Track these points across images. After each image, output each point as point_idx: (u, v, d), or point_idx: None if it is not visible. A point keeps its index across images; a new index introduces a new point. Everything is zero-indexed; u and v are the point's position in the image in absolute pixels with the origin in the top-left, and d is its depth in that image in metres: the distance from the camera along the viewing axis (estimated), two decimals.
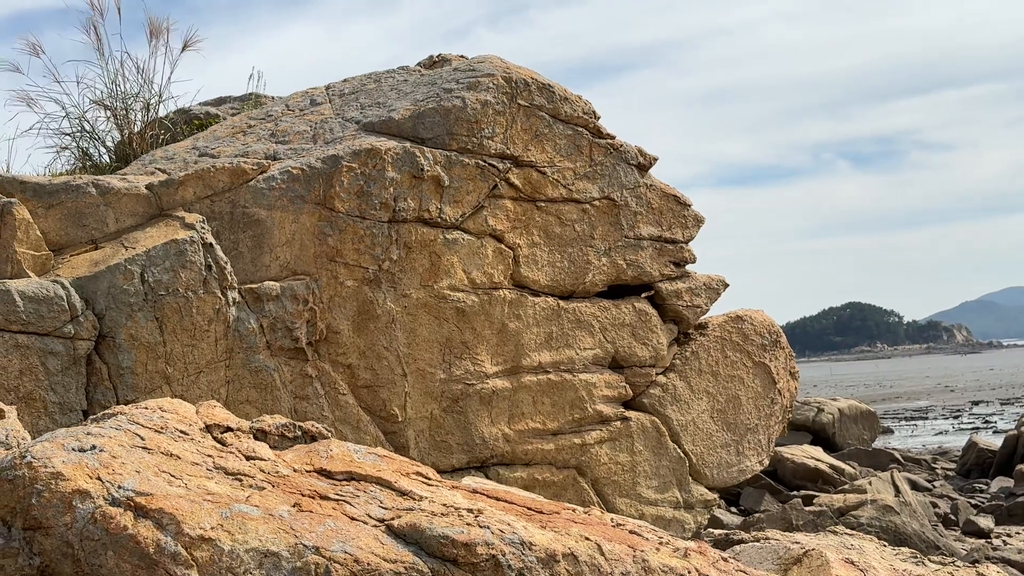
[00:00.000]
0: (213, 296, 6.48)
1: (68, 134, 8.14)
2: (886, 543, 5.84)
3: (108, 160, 8.16)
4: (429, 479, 4.15)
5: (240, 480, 3.76)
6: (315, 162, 7.01)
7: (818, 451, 15.69)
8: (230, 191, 6.86)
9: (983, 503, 13.89)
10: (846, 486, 12.36)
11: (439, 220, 7.28)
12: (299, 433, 4.30)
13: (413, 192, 7.17)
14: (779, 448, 14.56)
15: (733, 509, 12.73)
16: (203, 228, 6.58)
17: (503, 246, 7.57)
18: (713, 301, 8.54)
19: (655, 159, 8.31)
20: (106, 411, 4.05)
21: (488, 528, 3.67)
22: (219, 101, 9.26)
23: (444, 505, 3.84)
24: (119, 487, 3.47)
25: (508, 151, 7.55)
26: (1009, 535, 11.54)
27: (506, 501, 4.09)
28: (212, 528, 3.41)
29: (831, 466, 14.53)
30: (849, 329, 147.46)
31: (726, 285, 8.62)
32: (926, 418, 31.40)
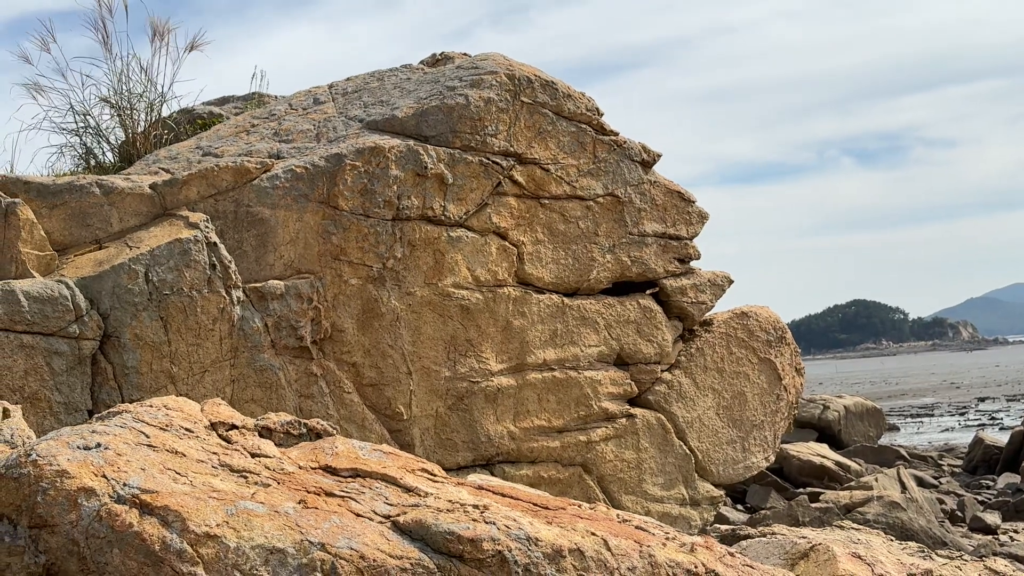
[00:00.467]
0: (217, 295, 6.48)
1: (72, 130, 8.15)
2: (893, 538, 5.83)
3: (112, 160, 8.17)
4: (434, 475, 4.14)
5: (245, 477, 3.76)
6: (319, 161, 7.01)
7: (824, 448, 15.68)
8: (234, 190, 6.86)
9: (990, 499, 13.86)
10: (852, 483, 12.35)
11: (443, 218, 7.27)
12: (304, 430, 4.30)
13: (417, 190, 7.17)
14: (785, 445, 14.55)
15: (739, 506, 12.72)
16: (207, 227, 6.58)
17: (507, 243, 7.56)
18: (718, 298, 8.52)
19: (659, 156, 8.30)
20: (111, 409, 4.05)
21: (494, 524, 3.67)
22: (222, 101, 9.26)
23: (450, 501, 3.83)
24: (124, 485, 3.47)
25: (512, 148, 7.54)
26: (1016, 531, 11.52)
27: (511, 497, 4.08)
28: (217, 525, 3.41)
29: (837, 463, 14.51)
30: (854, 326, 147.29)
31: (731, 281, 8.60)
32: (932, 415, 31.35)
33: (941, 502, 12.80)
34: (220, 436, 4.05)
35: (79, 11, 7.99)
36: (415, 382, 7.19)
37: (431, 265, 7.21)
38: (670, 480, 8.09)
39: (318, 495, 3.75)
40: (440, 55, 8.61)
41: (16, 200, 6.42)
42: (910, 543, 5.56)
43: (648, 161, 8.21)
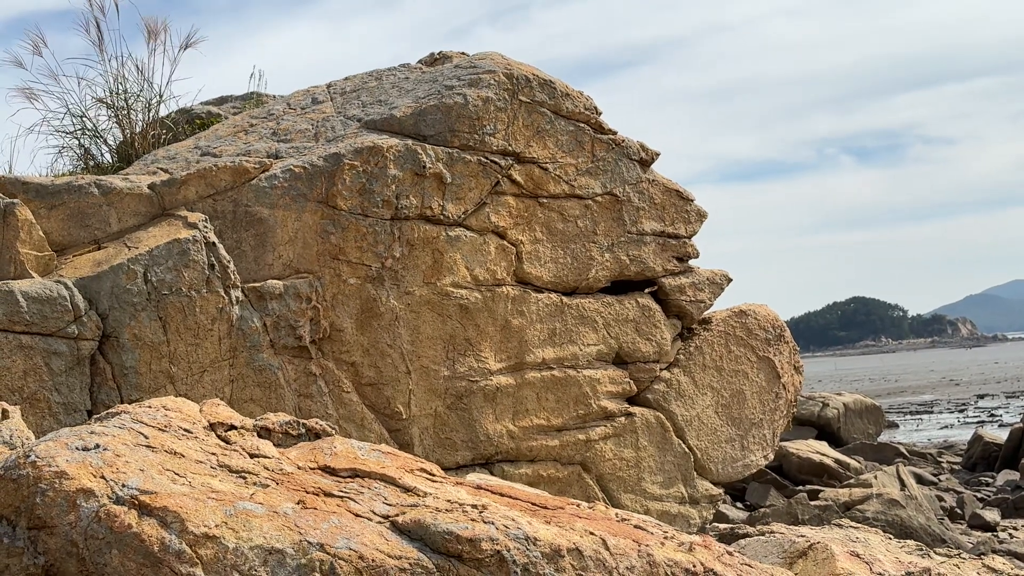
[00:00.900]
0: (216, 295, 6.48)
1: (70, 132, 8.15)
2: (891, 536, 5.83)
3: (110, 160, 8.17)
4: (433, 475, 4.15)
5: (244, 478, 3.76)
6: (317, 160, 7.01)
7: (823, 446, 15.69)
8: (232, 190, 6.86)
9: (989, 496, 13.88)
10: (851, 480, 12.36)
11: (441, 217, 7.27)
12: (303, 431, 4.30)
13: (415, 189, 7.17)
14: (784, 443, 14.56)
15: (739, 504, 12.74)
16: (206, 227, 6.58)
17: (506, 243, 7.56)
18: (717, 296, 8.52)
19: (657, 154, 8.30)
20: (110, 410, 4.06)
21: (493, 524, 3.67)
22: (220, 100, 9.26)
23: (448, 501, 3.83)
24: (123, 486, 3.47)
25: (510, 148, 7.55)
26: (1015, 528, 11.53)
27: (510, 497, 4.08)
28: (216, 526, 3.41)
29: (836, 461, 14.53)
30: (853, 324, 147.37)
31: (729, 280, 8.60)
32: (931, 412, 31.37)
33: (940, 499, 12.81)
34: (219, 436, 4.05)
35: (72, 11, 7.98)
36: (414, 381, 7.19)
37: (430, 264, 7.22)
38: (669, 478, 8.10)
39: (317, 495, 3.76)
40: (438, 54, 8.61)
41: (15, 200, 6.42)
42: (908, 541, 5.56)
43: (646, 160, 8.21)
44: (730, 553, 4.06)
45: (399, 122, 7.37)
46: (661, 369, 8.17)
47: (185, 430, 3.96)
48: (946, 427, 26.58)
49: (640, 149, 8.15)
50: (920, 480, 14.22)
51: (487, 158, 7.43)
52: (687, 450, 8.19)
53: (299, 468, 3.95)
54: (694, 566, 3.82)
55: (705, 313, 8.51)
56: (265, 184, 6.86)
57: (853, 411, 20.40)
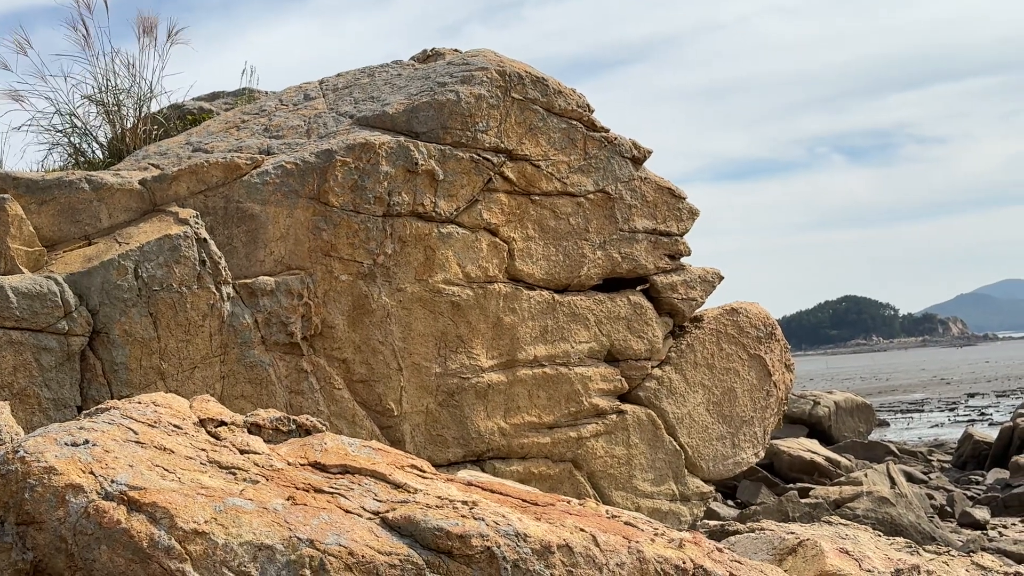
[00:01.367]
0: (207, 291, 6.47)
1: (60, 131, 8.12)
2: (881, 533, 5.85)
3: (101, 156, 8.14)
4: (424, 472, 4.14)
5: (234, 474, 3.76)
6: (309, 156, 7.00)
7: (814, 444, 15.73)
8: (224, 186, 6.85)
9: (979, 495, 13.92)
10: (842, 479, 12.39)
11: (433, 214, 7.27)
12: (293, 427, 4.30)
13: (407, 186, 7.16)
14: (775, 441, 14.59)
15: (730, 502, 12.76)
16: (197, 223, 6.56)
17: (498, 240, 7.56)
18: (708, 294, 8.53)
19: (649, 152, 8.30)
20: (99, 406, 4.05)
21: (483, 520, 3.67)
22: (212, 96, 9.24)
23: (439, 497, 3.83)
24: (112, 481, 3.47)
25: (502, 145, 7.54)
26: (1005, 526, 11.57)
27: (501, 493, 4.08)
28: (206, 522, 3.40)
29: (827, 459, 14.56)
30: (845, 322, 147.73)
31: (721, 278, 8.61)
32: (922, 411, 31.46)
33: (930, 497, 12.85)
34: (209, 433, 4.05)
35: (59, 8, 7.94)
36: (406, 378, 7.19)
37: (422, 261, 7.21)
38: (660, 476, 8.11)
39: (307, 491, 3.75)
40: (431, 51, 8.60)
41: (5, 196, 6.40)
42: (898, 538, 5.58)
43: (639, 157, 8.21)
44: (720, 550, 4.06)
45: (391, 119, 7.36)
46: (653, 367, 8.18)
47: (175, 426, 3.95)
48: (936, 426, 26.67)
49: (632, 147, 8.16)
50: (910, 478, 14.26)
51: (479, 155, 7.43)
52: (678, 448, 8.20)
53: (289, 464, 3.95)
54: (684, 563, 3.83)
55: (697, 311, 8.52)
56: (257, 180, 6.84)
57: (844, 409, 20.45)
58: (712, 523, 8.46)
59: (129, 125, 8.07)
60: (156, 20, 7.97)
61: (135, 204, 6.74)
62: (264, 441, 4.16)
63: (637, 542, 3.83)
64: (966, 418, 27.77)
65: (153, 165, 7.14)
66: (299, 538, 3.45)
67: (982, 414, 28.79)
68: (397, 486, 3.92)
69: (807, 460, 14.23)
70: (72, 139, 8.15)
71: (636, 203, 8.10)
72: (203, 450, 3.85)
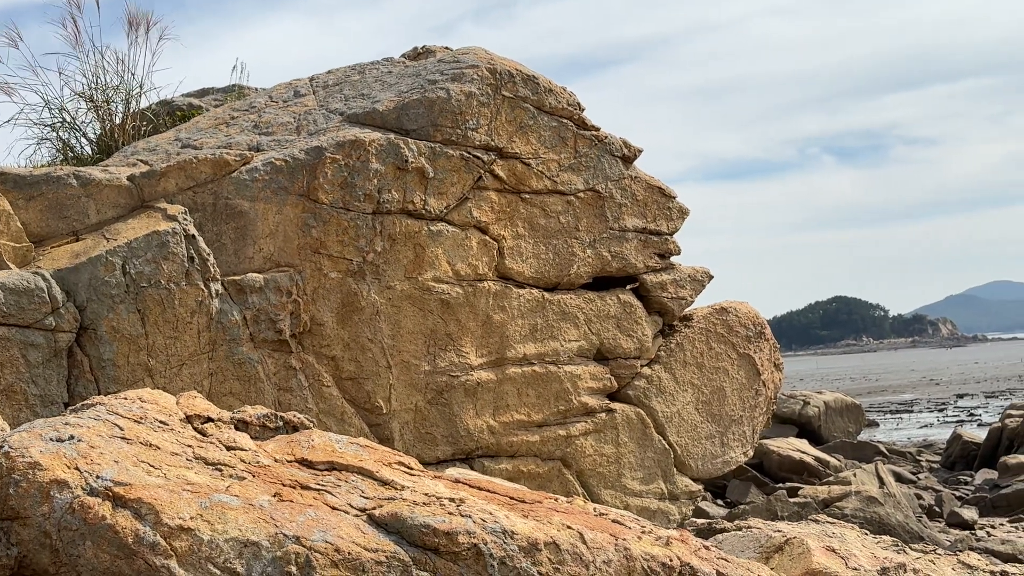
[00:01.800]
0: (196, 288, 6.45)
1: (49, 125, 8.09)
2: (867, 532, 5.86)
3: (90, 152, 8.11)
4: (411, 469, 4.14)
5: (220, 470, 3.74)
6: (299, 153, 6.98)
7: (804, 444, 15.77)
8: (213, 182, 6.82)
9: (967, 495, 13.97)
10: (831, 478, 12.42)
11: (423, 212, 7.26)
12: (281, 423, 4.28)
13: (397, 184, 7.15)
14: (765, 441, 14.63)
15: (719, 501, 12.79)
16: (185, 220, 6.54)
17: (488, 238, 7.55)
18: (698, 293, 8.54)
19: (640, 151, 8.30)
20: (85, 402, 4.03)
21: (470, 517, 3.66)
22: (202, 93, 9.21)
23: (426, 494, 3.82)
24: (97, 477, 3.45)
25: (493, 143, 7.53)
26: (993, 526, 11.61)
27: (488, 491, 4.08)
28: (191, 518, 3.39)
29: (816, 459, 14.60)
30: (835, 323, 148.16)
31: (711, 277, 8.62)
32: (911, 411, 31.56)
33: (919, 497, 12.89)
34: (195, 429, 4.03)
35: (49, 5, 7.91)
36: (395, 376, 7.18)
37: (411, 259, 7.20)
38: (649, 474, 8.11)
39: (293, 488, 3.74)
40: (422, 48, 8.59)
41: None
42: (884, 537, 5.59)
43: (629, 156, 8.21)
44: (707, 547, 4.06)
45: (381, 116, 7.35)
46: (642, 365, 8.18)
47: (161, 422, 3.93)
48: (926, 426, 26.75)
49: (623, 145, 8.16)
50: (899, 478, 14.30)
51: (469, 153, 7.42)
52: (667, 446, 8.21)
53: (276, 461, 3.93)
54: (671, 560, 3.83)
55: (686, 310, 8.53)
56: (246, 177, 6.82)
57: (834, 409, 20.51)
58: (700, 521, 8.47)
59: (118, 121, 8.04)
60: (145, 16, 7.95)
61: (123, 200, 6.71)
62: (251, 438, 4.15)
63: (624, 539, 3.83)
64: (955, 419, 27.87)
65: (142, 161, 7.11)
66: (285, 535, 3.44)
67: (971, 415, 28.89)
68: (384, 483, 3.91)
69: (796, 460, 14.26)
70: (61, 134, 8.12)
71: (626, 202, 8.10)
72: (189, 446, 3.83)
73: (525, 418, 7.62)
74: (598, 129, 8.07)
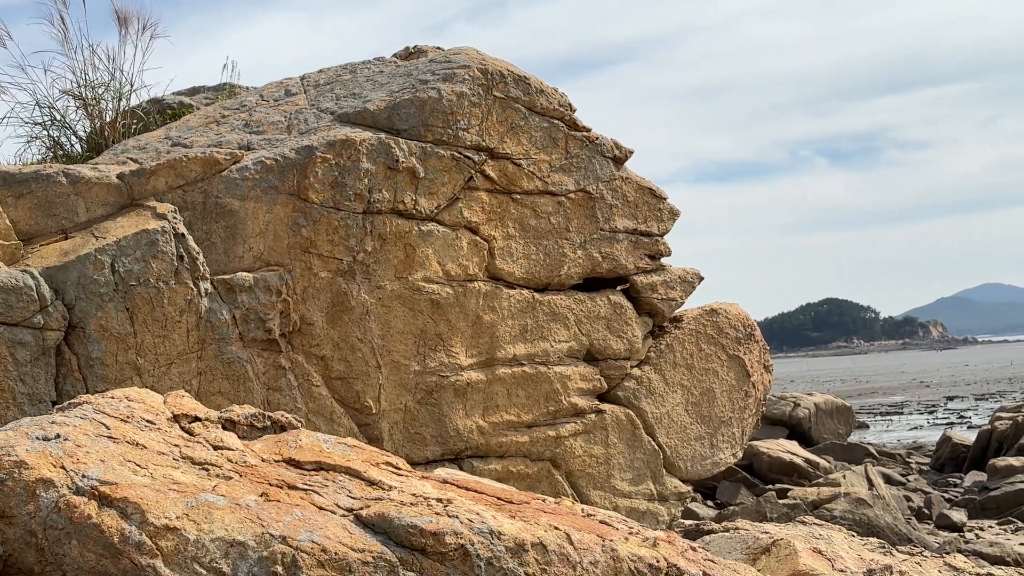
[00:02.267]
0: (185, 287, 6.43)
1: (39, 123, 8.06)
2: (855, 533, 5.87)
3: (80, 150, 8.09)
4: (399, 469, 4.13)
5: (207, 470, 3.74)
6: (289, 152, 6.97)
7: (794, 445, 15.80)
8: (203, 181, 6.81)
9: (956, 497, 14.01)
10: (820, 480, 12.45)
11: (414, 212, 7.25)
12: (268, 423, 4.28)
13: (388, 183, 7.14)
14: (755, 442, 14.66)
15: (709, 503, 12.80)
16: (175, 218, 6.52)
17: (478, 238, 7.55)
18: (688, 294, 8.55)
19: (631, 152, 8.31)
20: (71, 400, 4.02)
21: (457, 517, 3.66)
22: (193, 91, 9.19)
23: (413, 495, 3.82)
24: (83, 476, 3.44)
25: (483, 143, 7.53)
26: (982, 528, 11.65)
27: (476, 491, 4.08)
28: (177, 517, 3.38)
29: (806, 460, 14.64)
30: (826, 325, 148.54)
31: (701, 278, 8.63)
32: (901, 413, 31.64)
33: (908, 499, 12.92)
34: (183, 428, 4.02)
35: (36, 1, 7.89)
36: (384, 376, 7.17)
37: (401, 259, 7.19)
38: (638, 475, 8.12)
39: (280, 488, 3.73)
40: (413, 48, 8.58)
41: None
42: (871, 539, 5.60)
43: (620, 157, 8.22)
44: (694, 549, 4.07)
45: (372, 115, 7.34)
46: (632, 366, 8.18)
47: (148, 421, 3.92)
48: (915, 428, 26.83)
49: (614, 146, 8.16)
50: (889, 480, 14.34)
51: (460, 153, 7.42)
52: (657, 447, 8.21)
53: (263, 460, 3.93)
54: (657, 561, 3.83)
55: (676, 311, 8.53)
56: (236, 176, 6.81)
57: (824, 411, 20.55)
58: (688, 522, 8.48)
59: (108, 119, 8.02)
60: (135, 13, 7.93)
61: (113, 198, 6.69)
62: (239, 437, 4.14)
63: (611, 540, 3.83)
64: (945, 421, 27.95)
65: (131, 159, 7.09)
66: (272, 535, 3.44)
67: (961, 417, 28.98)
68: (371, 483, 3.90)
69: (786, 461, 14.29)
70: (51, 132, 8.10)
71: (617, 203, 8.10)
72: (176, 446, 3.82)
73: (515, 419, 7.62)
74: (589, 130, 8.08)
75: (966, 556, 6.16)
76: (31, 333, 6.05)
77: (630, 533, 3.98)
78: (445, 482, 4.14)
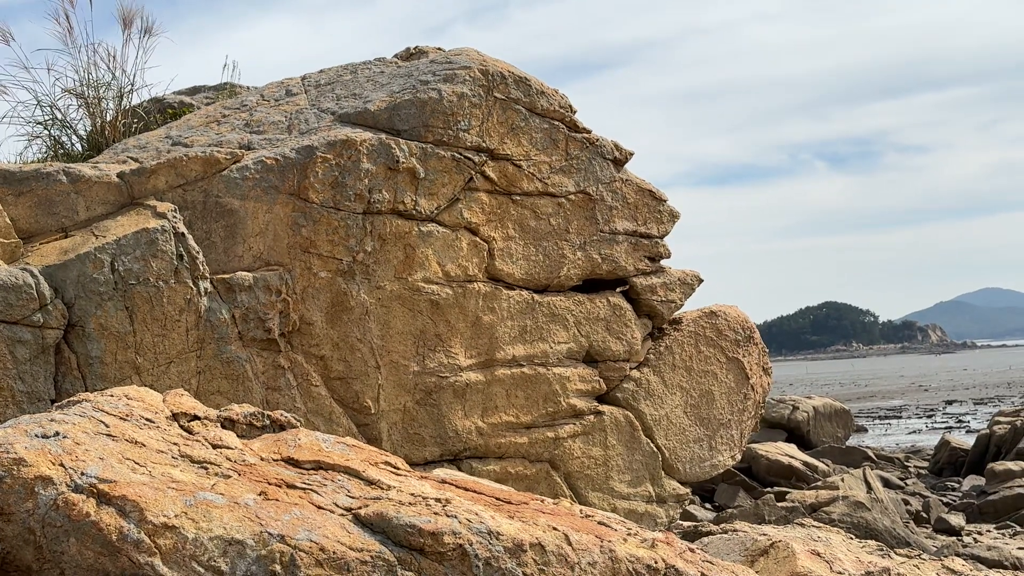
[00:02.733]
0: (184, 286, 6.43)
1: (40, 123, 8.06)
2: (853, 536, 5.87)
3: (80, 149, 8.09)
4: (398, 469, 4.13)
5: (206, 468, 3.74)
6: (289, 152, 6.97)
7: (792, 448, 15.81)
8: (203, 180, 6.81)
9: (955, 501, 14.01)
10: (819, 483, 12.45)
11: (414, 212, 7.25)
12: (267, 422, 4.28)
13: (388, 184, 7.14)
14: (754, 445, 14.66)
15: (708, 505, 12.80)
16: (175, 217, 6.52)
17: (478, 239, 7.55)
18: (688, 296, 8.55)
19: (631, 154, 8.31)
20: (71, 398, 4.02)
21: (455, 518, 3.66)
22: (193, 90, 9.19)
23: (412, 495, 3.82)
24: (82, 474, 3.44)
25: (484, 144, 7.54)
26: (980, 532, 11.65)
27: (474, 491, 4.08)
28: (176, 516, 3.38)
29: (805, 463, 14.64)
30: (825, 328, 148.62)
31: (700, 280, 8.63)
32: (900, 417, 31.64)
33: (906, 503, 12.92)
34: (182, 427, 4.02)
35: (42, 0, 7.90)
36: (383, 376, 7.17)
37: (401, 259, 7.19)
38: (637, 477, 8.12)
39: (279, 487, 3.73)
40: (414, 49, 8.58)
41: None
42: (869, 542, 5.61)
43: (620, 159, 8.22)
44: (692, 550, 4.07)
45: (373, 116, 7.34)
46: (631, 368, 8.18)
47: (147, 420, 3.92)
48: (914, 432, 26.83)
49: (614, 148, 8.17)
50: (887, 484, 14.34)
51: (461, 154, 7.42)
52: (655, 449, 8.21)
53: (262, 459, 3.93)
54: (656, 562, 3.83)
55: (676, 313, 8.54)
56: (236, 175, 6.81)
57: (823, 415, 20.56)
58: (686, 524, 8.48)
59: (109, 118, 8.02)
60: (137, 13, 7.93)
61: (113, 197, 6.70)
62: (238, 436, 4.14)
63: (610, 541, 3.83)
64: (943, 425, 27.96)
65: (132, 158, 7.09)
66: (270, 533, 3.44)
67: (959, 421, 28.99)
68: (370, 483, 3.90)
69: (785, 464, 14.29)
70: (52, 131, 8.10)
71: (617, 205, 8.11)
72: (175, 444, 3.82)
73: (513, 419, 7.62)
74: (589, 132, 8.08)
75: (964, 560, 6.16)
76: (30, 331, 6.05)
77: (628, 534, 3.98)
78: (444, 482, 4.15)
